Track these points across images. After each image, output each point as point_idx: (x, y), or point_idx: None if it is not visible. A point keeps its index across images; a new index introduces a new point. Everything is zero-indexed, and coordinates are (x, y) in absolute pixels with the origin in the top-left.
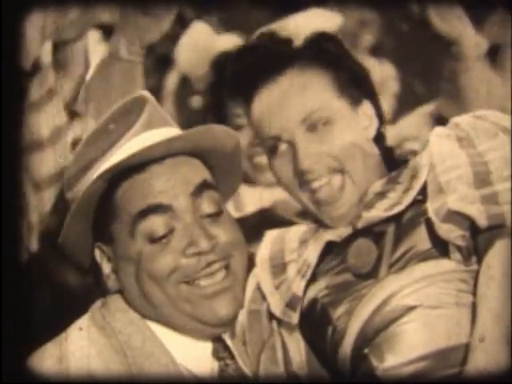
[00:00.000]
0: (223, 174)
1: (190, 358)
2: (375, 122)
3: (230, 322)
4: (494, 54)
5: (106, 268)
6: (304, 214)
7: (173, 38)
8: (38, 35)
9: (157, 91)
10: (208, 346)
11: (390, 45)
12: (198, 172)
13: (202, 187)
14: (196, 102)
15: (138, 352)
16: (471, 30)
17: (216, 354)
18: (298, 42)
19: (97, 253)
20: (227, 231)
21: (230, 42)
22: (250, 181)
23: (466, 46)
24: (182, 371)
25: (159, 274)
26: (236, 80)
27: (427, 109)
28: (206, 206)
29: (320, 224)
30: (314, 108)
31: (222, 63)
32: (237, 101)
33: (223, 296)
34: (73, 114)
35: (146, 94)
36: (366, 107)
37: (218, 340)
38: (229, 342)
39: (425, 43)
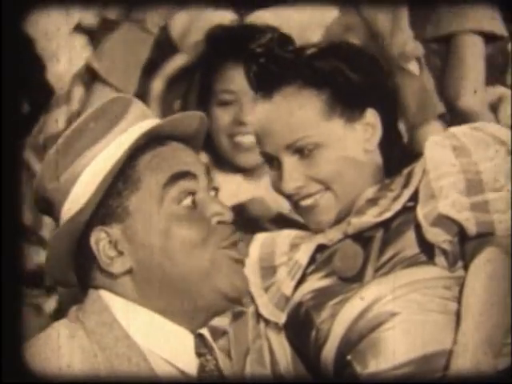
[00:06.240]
0: None
1: (175, 354)
2: (379, 130)
3: (238, 298)
4: None
5: (110, 252)
6: (277, 221)
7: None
8: None
9: (142, 96)
10: (191, 343)
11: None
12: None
13: (208, 172)
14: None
15: (109, 352)
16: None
17: (197, 350)
18: (310, 52)
19: (94, 240)
20: None
21: (226, 16)
22: (227, 161)
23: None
24: (153, 370)
25: (192, 239)
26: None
27: None
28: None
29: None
30: (301, 135)
31: (218, 35)
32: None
33: (240, 268)
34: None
35: (130, 95)
36: (370, 116)
37: (198, 336)
38: (209, 337)
39: None
